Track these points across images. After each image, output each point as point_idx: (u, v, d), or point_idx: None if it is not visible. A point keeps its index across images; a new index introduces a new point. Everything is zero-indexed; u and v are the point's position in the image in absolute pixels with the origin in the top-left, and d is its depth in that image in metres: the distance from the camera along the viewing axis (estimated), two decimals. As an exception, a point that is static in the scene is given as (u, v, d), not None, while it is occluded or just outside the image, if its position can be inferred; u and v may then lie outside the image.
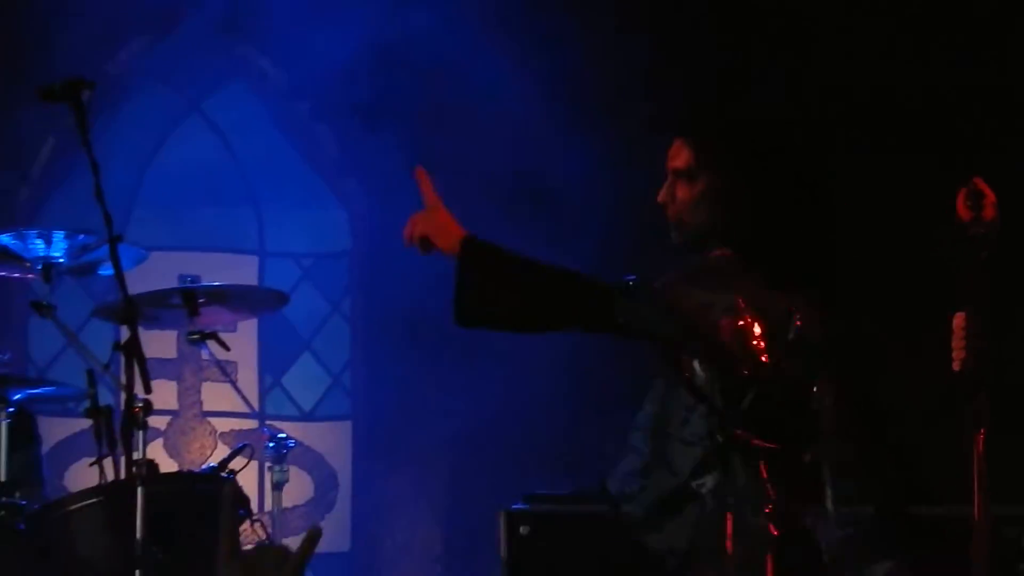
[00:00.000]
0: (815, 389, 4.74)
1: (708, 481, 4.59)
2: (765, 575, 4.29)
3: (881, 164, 7.81)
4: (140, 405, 5.89)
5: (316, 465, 8.62)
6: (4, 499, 6.40)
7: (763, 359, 4.42)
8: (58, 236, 6.63)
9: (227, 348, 7.10)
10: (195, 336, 6.97)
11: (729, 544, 4.45)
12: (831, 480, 4.49)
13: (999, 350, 4.97)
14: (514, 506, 6.52)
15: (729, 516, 4.50)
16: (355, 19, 8.13)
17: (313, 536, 2.71)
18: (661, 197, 4.64)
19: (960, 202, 4.95)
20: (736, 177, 4.62)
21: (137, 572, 5.69)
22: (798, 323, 4.53)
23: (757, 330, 4.47)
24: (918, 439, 6.40)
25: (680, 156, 4.61)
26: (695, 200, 4.61)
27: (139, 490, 5.80)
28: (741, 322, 4.48)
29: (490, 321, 4.76)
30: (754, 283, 4.57)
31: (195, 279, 6.87)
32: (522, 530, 6.61)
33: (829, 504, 4.39)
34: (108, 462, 6.42)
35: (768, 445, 4.56)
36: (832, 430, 4.57)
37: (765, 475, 4.50)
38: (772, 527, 4.44)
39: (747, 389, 4.51)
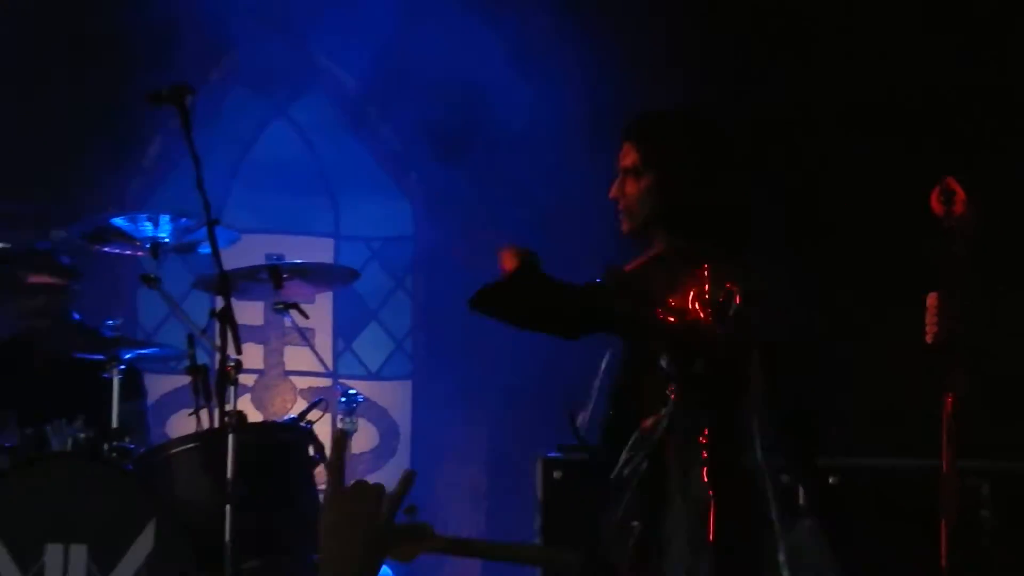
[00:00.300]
0: (751, 355, 4.76)
1: (660, 439, 4.61)
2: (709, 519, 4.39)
3: (878, 160, 7.72)
4: (232, 364, 6.06)
5: (381, 418, 8.70)
6: (115, 443, 6.51)
7: (713, 331, 4.48)
8: (164, 219, 6.71)
9: (306, 316, 7.13)
10: (279, 306, 7.02)
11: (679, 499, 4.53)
12: (760, 435, 4.55)
13: (973, 330, 5.02)
14: (550, 454, 6.54)
15: (678, 471, 4.57)
16: (414, 41, 8.11)
17: (408, 478, 2.68)
18: (612, 193, 4.71)
19: (933, 198, 4.98)
20: (675, 172, 4.65)
21: (228, 507, 5.85)
22: (738, 299, 4.55)
23: (708, 306, 4.52)
24: (898, 401, 6.44)
25: (628, 156, 4.65)
26: (641, 194, 4.65)
27: (230, 437, 5.97)
28: (696, 299, 4.53)
29: (499, 313, 4.92)
30: (702, 265, 4.60)
31: (280, 257, 6.95)
32: (556, 475, 6.63)
33: (759, 453, 4.44)
34: (204, 413, 6.50)
35: (714, 407, 4.62)
36: (760, 393, 4.69)
37: (707, 432, 4.55)
38: (712, 478, 4.50)
39: (698, 356, 4.56)
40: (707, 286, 4.61)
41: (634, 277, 4.71)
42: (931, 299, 4.88)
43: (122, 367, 6.56)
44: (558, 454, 6.69)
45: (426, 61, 8.08)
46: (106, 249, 6.86)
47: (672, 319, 4.55)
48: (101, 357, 6.64)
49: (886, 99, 8.04)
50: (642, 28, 8.16)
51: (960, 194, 4.95)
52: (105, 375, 6.56)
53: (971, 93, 8.04)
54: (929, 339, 4.86)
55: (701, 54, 8.09)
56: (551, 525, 6.72)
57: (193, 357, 6.43)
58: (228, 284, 5.89)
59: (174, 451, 6.46)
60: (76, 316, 7.09)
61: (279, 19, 8.56)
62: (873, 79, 8.15)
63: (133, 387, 6.95)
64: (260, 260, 6.77)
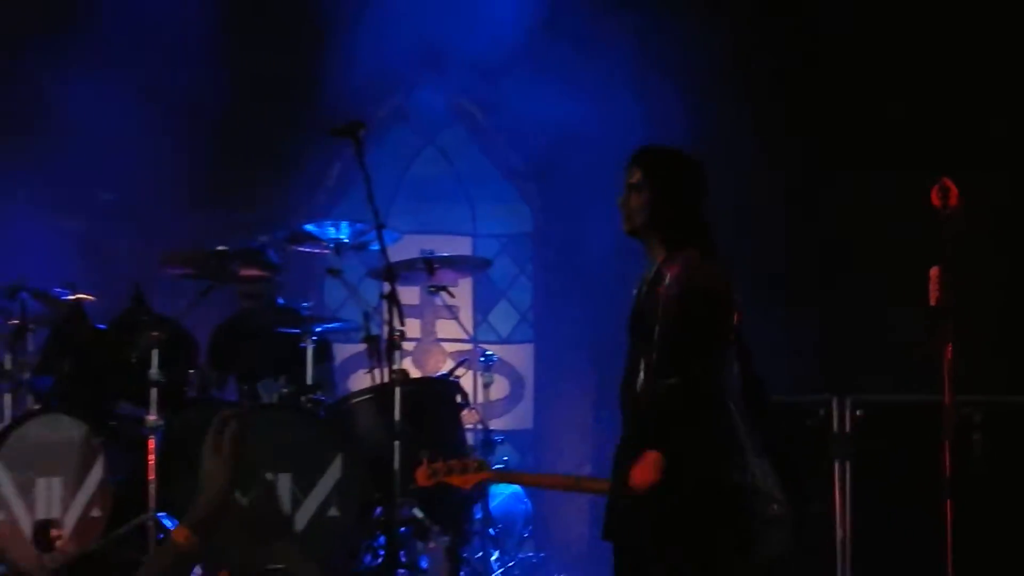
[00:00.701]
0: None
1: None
2: None
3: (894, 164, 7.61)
4: (397, 334, 6.17)
5: (510, 373, 8.64)
6: (311, 396, 6.66)
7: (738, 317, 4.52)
8: (344, 225, 6.85)
9: (452, 296, 7.17)
10: (432, 289, 7.07)
11: None
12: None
13: (961, 295, 5.03)
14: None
15: None
16: (531, 86, 7.98)
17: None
18: (620, 202, 4.74)
19: (933, 195, 5.05)
20: (667, 188, 4.69)
21: (396, 442, 5.99)
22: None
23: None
24: (910, 350, 6.46)
25: (634, 175, 4.69)
26: (642, 204, 4.67)
27: (397, 389, 6.09)
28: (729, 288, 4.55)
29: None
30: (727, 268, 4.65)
31: (431, 252, 6.99)
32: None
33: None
34: (377, 372, 6.57)
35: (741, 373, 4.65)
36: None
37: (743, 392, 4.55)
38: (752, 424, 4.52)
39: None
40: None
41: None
42: (933, 271, 4.95)
43: (314, 338, 6.72)
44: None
45: (540, 100, 7.98)
46: (300, 248, 7.03)
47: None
48: (298, 331, 6.82)
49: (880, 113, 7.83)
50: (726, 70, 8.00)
51: (954, 191, 5.00)
52: (302, 344, 6.73)
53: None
54: (932, 301, 4.94)
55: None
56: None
57: (368, 329, 6.61)
58: (393, 273, 5.98)
59: (355, 401, 6.65)
60: (280, 300, 7.32)
61: (428, 69, 8.53)
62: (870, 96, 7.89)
63: (323, 353, 7.12)
64: (416, 254, 6.86)
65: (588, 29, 7.98)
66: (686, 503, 4.49)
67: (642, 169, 4.79)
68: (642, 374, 4.63)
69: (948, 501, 4.93)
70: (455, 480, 5.60)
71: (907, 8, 7.80)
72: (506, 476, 6.60)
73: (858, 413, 6.44)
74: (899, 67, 7.82)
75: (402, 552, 6.38)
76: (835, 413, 6.47)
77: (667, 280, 4.61)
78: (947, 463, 4.95)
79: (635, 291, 4.75)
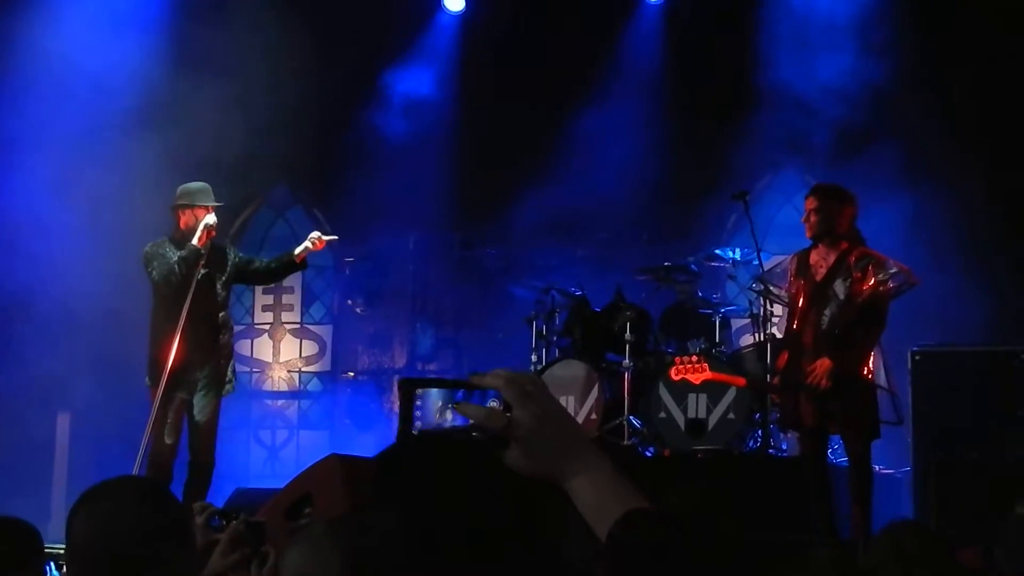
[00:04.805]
0: None
1: None
2: None
3: None
4: (768, 313, 7.03)
5: None
6: (718, 348, 7.38)
7: None
8: (737, 249, 7.79)
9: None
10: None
11: None
12: None
13: None
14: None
15: None
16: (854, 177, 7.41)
17: None
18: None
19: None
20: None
21: (767, 375, 6.55)
22: None
23: None
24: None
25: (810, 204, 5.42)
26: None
27: (768, 345, 6.80)
28: None
29: None
30: None
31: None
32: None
33: None
34: (756, 335, 7.43)
35: None
36: None
37: None
38: None
39: None
40: None
41: None
42: None
43: (720, 315, 7.79)
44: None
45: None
46: (712, 263, 8.05)
47: None
48: (710, 311, 7.78)
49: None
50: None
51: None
52: (712, 319, 7.74)
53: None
54: None
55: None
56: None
57: (751, 310, 7.56)
58: (765, 277, 6.61)
59: (743, 351, 7.43)
60: (700, 293, 8.13)
61: (791, 158, 8.98)
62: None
63: (725, 324, 7.91)
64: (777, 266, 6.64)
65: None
66: None
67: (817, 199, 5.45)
68: None
69: None
70: (690, 377, 6.28)
71: None
72: (720, 376, 6.58)
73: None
74: None
75: (771, 439, 7.03)
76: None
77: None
78: None
79: None
